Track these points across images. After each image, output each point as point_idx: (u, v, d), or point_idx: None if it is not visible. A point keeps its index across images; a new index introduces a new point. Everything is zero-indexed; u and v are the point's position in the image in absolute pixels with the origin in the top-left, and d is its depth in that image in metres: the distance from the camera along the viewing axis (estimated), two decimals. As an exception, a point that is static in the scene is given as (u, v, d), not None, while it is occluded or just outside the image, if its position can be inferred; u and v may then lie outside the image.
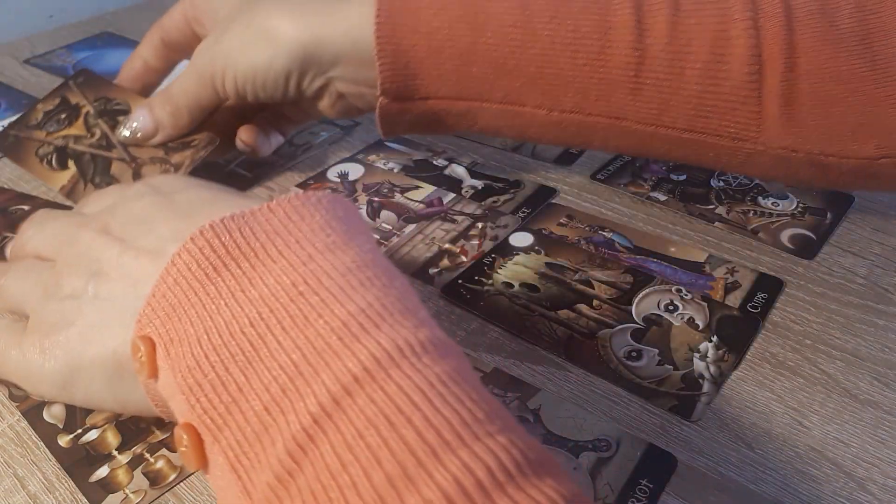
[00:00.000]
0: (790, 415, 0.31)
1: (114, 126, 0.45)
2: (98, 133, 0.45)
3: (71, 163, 0.45)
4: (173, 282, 0.24)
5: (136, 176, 0.43)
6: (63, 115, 0.47)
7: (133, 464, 0.29)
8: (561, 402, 0.31)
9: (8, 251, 0.34)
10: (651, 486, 0.28)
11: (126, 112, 0.46)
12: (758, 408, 0.31)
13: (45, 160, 0.45)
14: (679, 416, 0.30)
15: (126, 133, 0.44)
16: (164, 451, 0.29)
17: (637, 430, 0.30)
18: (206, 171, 0.47)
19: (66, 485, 0.28)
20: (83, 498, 0.28)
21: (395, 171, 0.47)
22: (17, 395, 0.32)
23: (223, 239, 0.24)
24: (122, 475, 0.28)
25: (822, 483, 0.28)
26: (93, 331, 0.27)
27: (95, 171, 0.44)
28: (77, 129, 0.46)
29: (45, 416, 0.31)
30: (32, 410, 0.31)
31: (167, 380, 0.24)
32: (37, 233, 0.32)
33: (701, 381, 0.32)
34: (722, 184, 0.45)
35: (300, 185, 0.46)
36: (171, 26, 0.45)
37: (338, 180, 0.46)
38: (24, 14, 0.74)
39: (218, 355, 0.22)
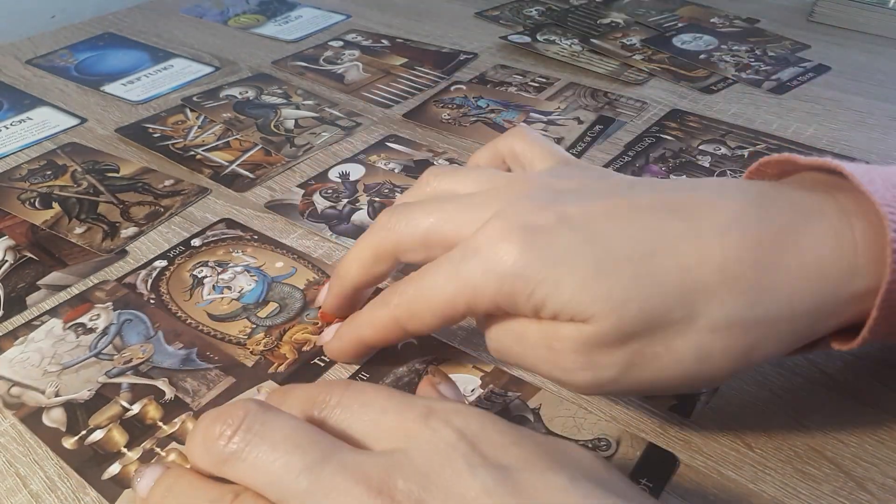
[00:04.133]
0: (790, 414, 0.31)
1: (102, 181, 0.45)
2: (85, 184, 0.46)
3: (55, 204, 0.44)
4: None
5: (125, 215, 0.43)
6: (49, 172, 0.47)
7: (144, 459, 0.29)
8: (561, 402, 0.31)
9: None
10: (651, 485, 0.28)
11: (116, 172, 0.46)
12: (757, 408, 0.31)
13: (28, 202, 0.45)
14: (679, 416, 0.31)
15: None
16: (174, 444, 0.29)
17: (637, 430, 0.30)
18: (205, 168, 0.47)
19: (68, 483, 0.28)
20: (85, 497, 0.28)
21: (396, 171, 0.47)
22: (12, 403, 0.31)
23: None
24: (134, 470, 0.28)
25: (822, 483, 0.28)
26: None
27: (81, 209, 0.44)
28: (63, 181, 0.46)
29: (45, 421, 0.31)
30: (31, 417, 0.31)
31: None
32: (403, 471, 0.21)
33: (701, 380, 0.32)
34: (722, 184, 0.45)
35: (301, 186, 0.46)
36: None
37: (339, 180, 0.46)
38: (26, 14, 0.75)
39: None
